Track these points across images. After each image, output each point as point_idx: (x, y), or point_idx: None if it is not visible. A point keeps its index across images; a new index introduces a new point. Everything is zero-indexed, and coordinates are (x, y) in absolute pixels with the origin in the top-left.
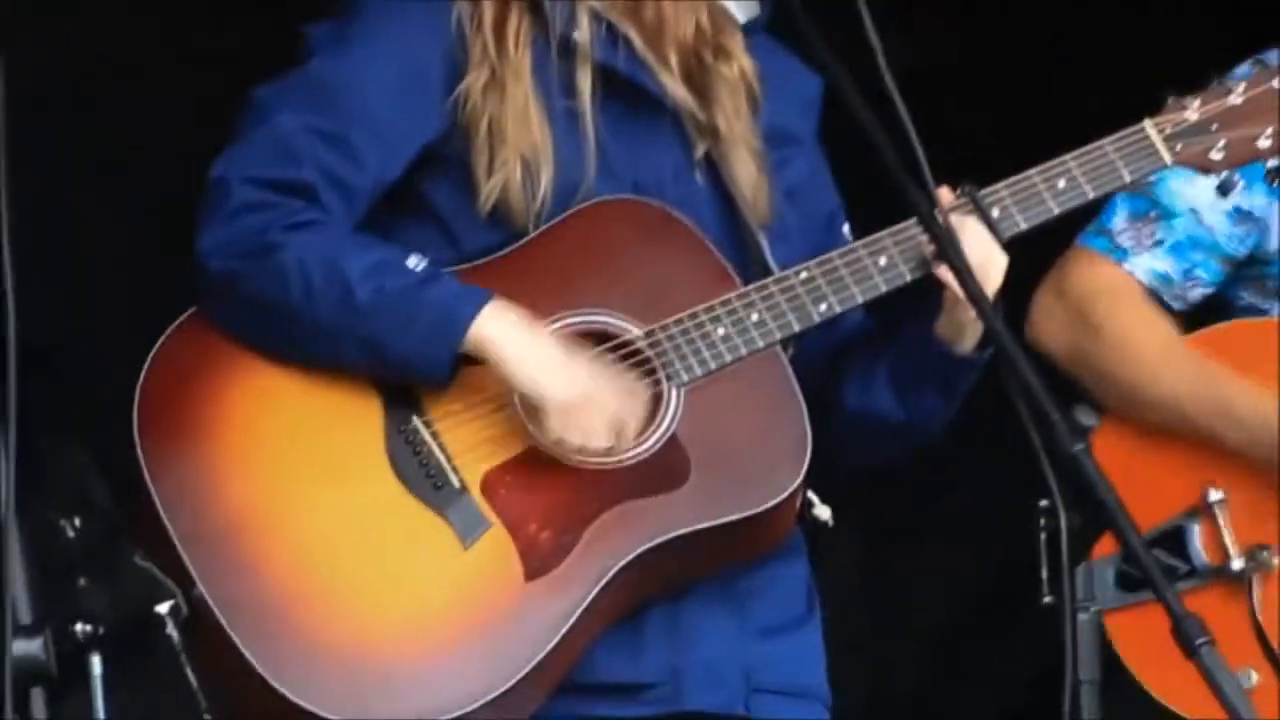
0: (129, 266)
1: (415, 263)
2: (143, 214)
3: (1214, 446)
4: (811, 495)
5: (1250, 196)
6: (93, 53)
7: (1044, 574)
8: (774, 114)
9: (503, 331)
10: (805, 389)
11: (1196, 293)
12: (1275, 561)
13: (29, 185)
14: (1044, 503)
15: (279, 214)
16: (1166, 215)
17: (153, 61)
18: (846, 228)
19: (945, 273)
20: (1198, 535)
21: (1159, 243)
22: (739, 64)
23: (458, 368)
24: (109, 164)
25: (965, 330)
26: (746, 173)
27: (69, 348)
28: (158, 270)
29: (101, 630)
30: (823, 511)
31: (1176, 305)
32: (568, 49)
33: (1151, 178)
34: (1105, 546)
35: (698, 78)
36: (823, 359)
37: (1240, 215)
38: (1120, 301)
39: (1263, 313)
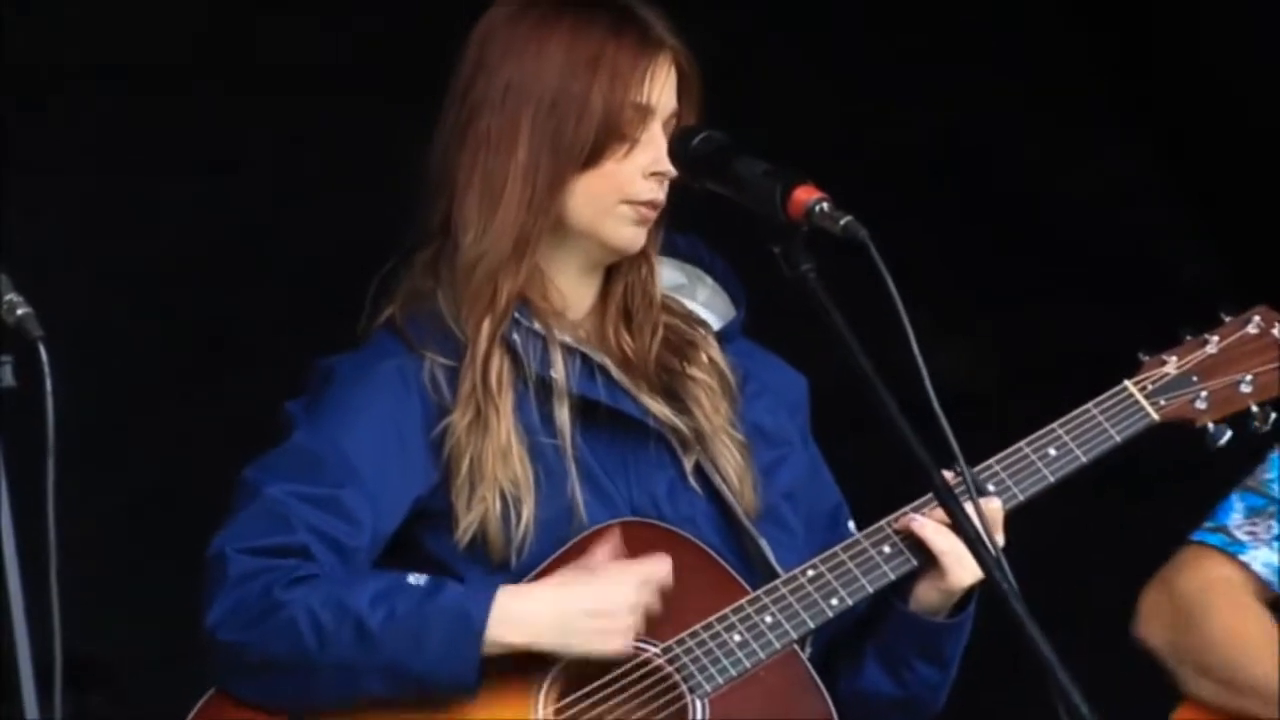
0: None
1: (415, 579)
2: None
3: None
4: None
5: None
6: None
7: None
8: (762, 414)
9: (522, 619)
10: None
11: None
12: None
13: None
14: None
15: (277, 575)
16: None
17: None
18: (852, 524)
19: (936, 542)
20: None
21: (1279, 537)
22: (706, 356)
23: (483, 672)
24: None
25: (942, 600)
26: (733, 461)
27: (120, 658)
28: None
29: None
30: None
31: None
32: (545, 388)
33: (1268, 474)
34: None
35: (670, 387)
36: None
37: None
38: (1229, 593)
39: None
